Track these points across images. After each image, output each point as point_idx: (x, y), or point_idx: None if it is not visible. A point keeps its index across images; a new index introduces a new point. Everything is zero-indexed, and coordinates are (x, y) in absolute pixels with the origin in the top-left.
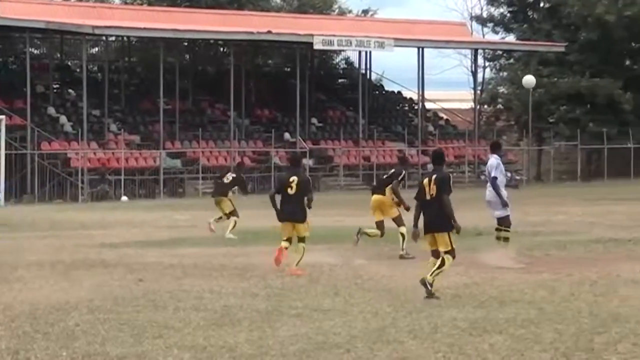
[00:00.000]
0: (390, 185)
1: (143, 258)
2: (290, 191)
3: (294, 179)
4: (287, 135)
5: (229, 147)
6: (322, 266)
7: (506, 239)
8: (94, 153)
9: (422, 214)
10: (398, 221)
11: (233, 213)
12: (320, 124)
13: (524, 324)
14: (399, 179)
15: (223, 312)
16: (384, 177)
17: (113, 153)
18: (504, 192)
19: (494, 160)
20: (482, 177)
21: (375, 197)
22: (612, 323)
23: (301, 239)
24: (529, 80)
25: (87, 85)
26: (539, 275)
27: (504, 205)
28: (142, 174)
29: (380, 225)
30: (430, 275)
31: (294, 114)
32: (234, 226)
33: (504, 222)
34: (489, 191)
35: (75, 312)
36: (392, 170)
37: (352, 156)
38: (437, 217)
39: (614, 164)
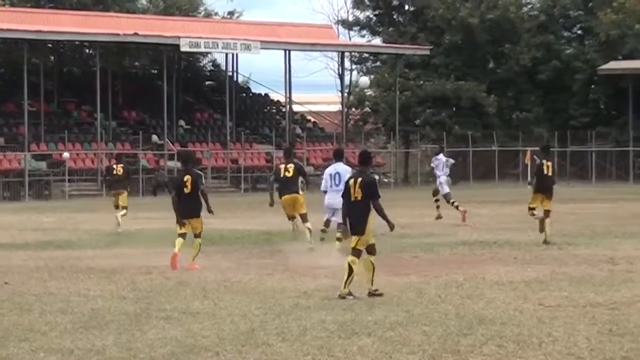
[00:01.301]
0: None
1: (8, 260)
2: (186, 190)
3: (188, 178)
4: (154, 137)
5: (96, 150)
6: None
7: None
8: None
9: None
10: (305, 218)
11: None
12: (188, 126)
13: (393, 326)
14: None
15: (91, 315)
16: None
17: None
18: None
19: (346, 166)
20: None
21: (288, 196)
22: (478, 325)
23: (197, 235)
24: (363, 82)
25: None
26: (407, 278)
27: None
28: (7, 176)
29: (293, 218)
30: (367, 282)
31: (162, 116)
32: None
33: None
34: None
35: None
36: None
37: (219, 158)
38: (359, 219)
39: (479, 167)
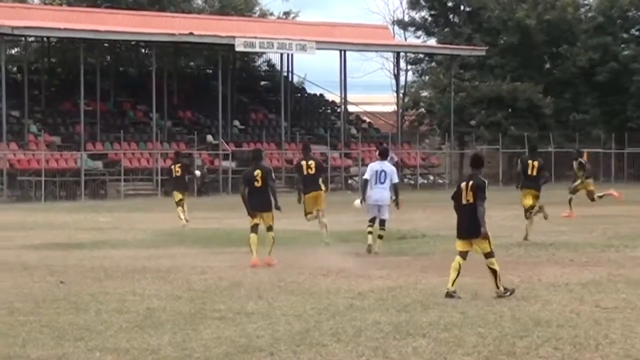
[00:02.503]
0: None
1: (64, 260)
2: (257, 184)
3: (258, 172)
4: (209, 138)
5: (152, 149)
6: (245, 269)
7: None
8: (14, 154)
9: (457, 217)
10: (324, 213)
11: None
12: (243, 127)
13: (447, 328)
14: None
15: (146, 314)
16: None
17: (33, 154)
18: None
19: (392, 166)
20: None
21: (312, 193)
22: (533, 327)
23: (269, 228)
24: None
25: (6, 86)
26: (462, 279)
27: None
28: (63, 175)
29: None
30: (496, 286)
31: (216, 116)
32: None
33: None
34: (385, 194)
35: None
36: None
37: (274, 159)
38: (472, 223)
39: None
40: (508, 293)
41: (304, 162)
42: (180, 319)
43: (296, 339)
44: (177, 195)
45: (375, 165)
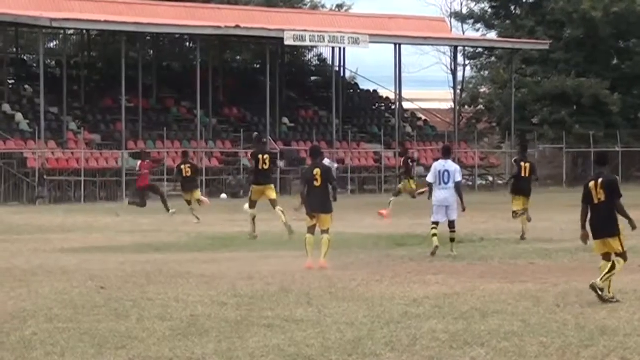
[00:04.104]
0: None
1: (105, 264)
2: (316, 183)
3: (317, 171)
4: (256, 136)
5: (196, 148)
6: (294, 274)
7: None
8: (52, 153)
9: (589, 217)
10: (275, 203)
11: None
12: (292, 124)
13: (507, 337)
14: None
15: (190, 321)
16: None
17: (72, 153)
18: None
19: (455, 165)
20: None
21: (260, 187)
22: (599, 336)
23: (325, 231)
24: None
25: (44, 81)
26: (523, 285)
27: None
28: (103, 175)
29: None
30: (601, 280)
31: (264, 113)
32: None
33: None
34: (450, 194)
35: (32, 320)
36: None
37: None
38: (606, 222)
39: None
40: (614, 299)
41: (260, 156)
42: (225, 327)
43: (348, 348)
44: (187, 196)
45: (438, 165)
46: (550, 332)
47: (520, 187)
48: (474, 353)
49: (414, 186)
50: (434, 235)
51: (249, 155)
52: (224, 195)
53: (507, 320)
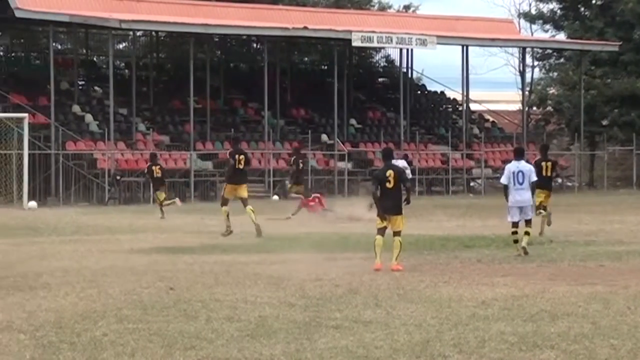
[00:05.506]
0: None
1: (174, 265)
2: (389, 185)
3: (390, 172)
4: (324, 137)
5: (263, 149)
6: (362, 275)
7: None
8: (122, 154)
9: None
10: (246, 202)
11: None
12: (360, 125)
13: (577, 339)
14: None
15: (258, 322)
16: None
17: (141, 154)
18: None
19: (529, 165)
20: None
21: (234, 185)
22: None
23: (397, 233)
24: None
25: (114, 83)
26: (593, 288)
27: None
28: (172, 176)
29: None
30: None
31: (332, 115)
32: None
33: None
34: (526, 194)
35: (102, 321)
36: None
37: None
38: None
39: None
40: None
41: (237, 156)
42: (293, 328)
43: (416, 349)
44: (161, 195)
45: (511, 166)
46: (620, 335)
47: (542, 184)
48: (544, 355)
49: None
50: (515, 241)
51: (227, 154)
52: (275, 197)
53: (577, 323)
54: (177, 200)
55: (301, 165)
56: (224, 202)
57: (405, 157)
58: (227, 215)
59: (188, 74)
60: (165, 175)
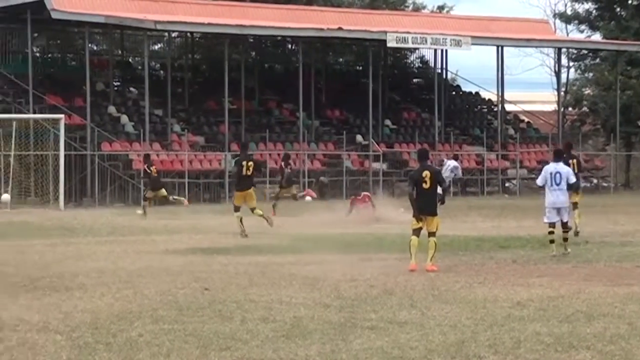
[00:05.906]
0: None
1: (209, 266)
2: (425, 185)
3: (426, 173)
4: (359, 138)
5: (298, 150)
6: (397, 276)
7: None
8: (157, 155)
9: None
10: (254, 209)
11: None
12: (395, 126)
13: (614, 340)
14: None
15: (293, 323)
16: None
17: (177, 155)
18: None
19: (567, 167)
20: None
21: (242, 192)
22: None
23: (432, 234)
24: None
25: (149, 84)
26: (629, 289)
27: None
28: (207, 177)
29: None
30: None
31: (367, 115)
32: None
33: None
34: (562, 196)
35: (138, 321)
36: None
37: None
38: None
39: None
40: None
41: (244, 163)
42: (329, 329)
43: (451, 350)
44: (152, 194)
45: (549, 167)
46: None
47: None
48: (580, 356)
49: (294, 191)
50: (552, 241)
51: (234, 161)
52: (308, 198)
53: (613, 323)
54: (185, 200)
55: (289, 169)
56: (236, 209)
57: (456, 158)
58: (241, 220)
59: (223, 75)
60: (159, 174)
